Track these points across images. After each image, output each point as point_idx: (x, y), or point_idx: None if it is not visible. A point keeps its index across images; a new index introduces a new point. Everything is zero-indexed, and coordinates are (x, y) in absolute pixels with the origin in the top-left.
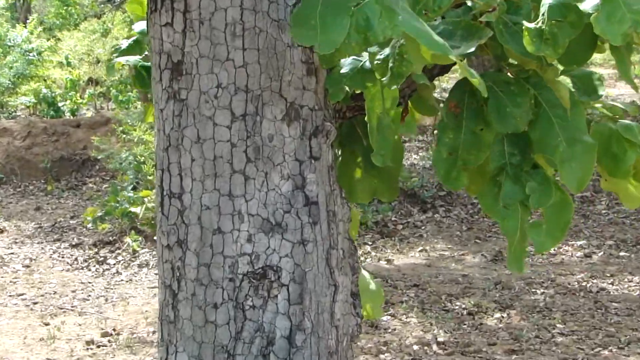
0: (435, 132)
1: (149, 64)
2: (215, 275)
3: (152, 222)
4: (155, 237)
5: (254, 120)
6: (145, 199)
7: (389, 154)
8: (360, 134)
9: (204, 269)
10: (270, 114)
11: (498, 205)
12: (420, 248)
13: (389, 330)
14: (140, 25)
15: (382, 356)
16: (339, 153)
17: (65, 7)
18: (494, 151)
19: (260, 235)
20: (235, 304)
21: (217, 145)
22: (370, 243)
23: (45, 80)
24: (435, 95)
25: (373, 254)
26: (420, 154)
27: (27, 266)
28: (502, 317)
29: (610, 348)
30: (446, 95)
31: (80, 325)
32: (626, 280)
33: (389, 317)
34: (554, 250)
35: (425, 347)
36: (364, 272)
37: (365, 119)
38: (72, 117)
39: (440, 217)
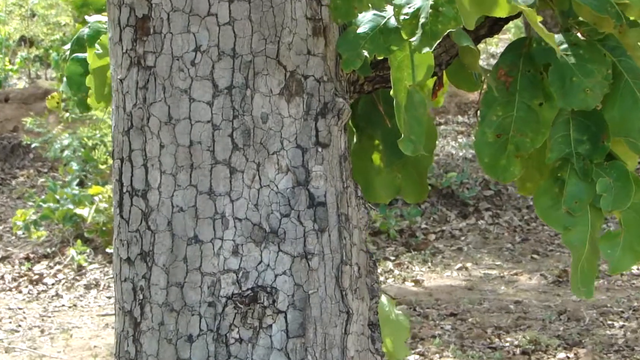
0: (480, 111)
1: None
2: (190, 298)
3: (105, 228)
4: (109, 249)
5: (243, 94)
6: (96, 198)
7: (420, 140)
8: (382, 113)
9: (176, 290)
10: (265, 86)
11: (559, 209)
12: (459, 265)
13: None
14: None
15: None
16: (354, 139)
17: None
18: (555, 137)
19: (249, 245)
20: (217, 337)
21: (194, 128)
22: (392, 258)
23: None
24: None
25: (396, 272)
26: (460, 140)
27: None
28: (568, 357)
29: None
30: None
31: None
32: None
33: (417, 356)
34: (636, 269)
35: None
36: (384, 296)
37: (391, 93)
38: None
39: (485, 224)
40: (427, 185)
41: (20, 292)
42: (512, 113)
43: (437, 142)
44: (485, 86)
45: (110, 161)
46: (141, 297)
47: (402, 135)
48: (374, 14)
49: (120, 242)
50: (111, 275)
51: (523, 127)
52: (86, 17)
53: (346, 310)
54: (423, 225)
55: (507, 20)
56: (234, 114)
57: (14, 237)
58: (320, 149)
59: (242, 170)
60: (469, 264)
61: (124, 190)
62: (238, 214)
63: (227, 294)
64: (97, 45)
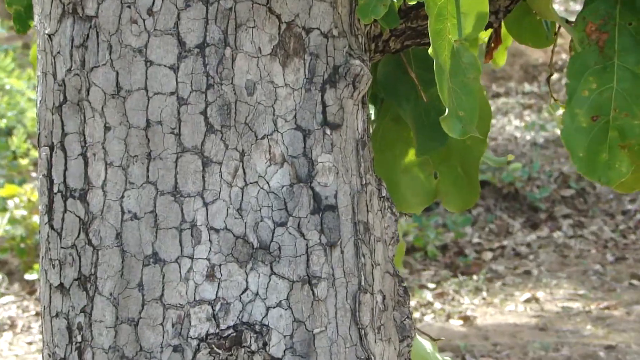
0: (566, 83)
1: None
2: (147, 340)
3: (24, 245)
4: (30, 274)
5: (221, 55)
6: (10, 203)
7: (472, 117)
8: (414, 81)
9: (128, 329)
10: (250, 44)
11: None
12: (527, 295)
13: None
14: None
15: None
16: (376, 116)
17: None
18: None
19: (230, 266)
20: None
21: (152, 102)
22: (432, 285)
23: None
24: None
25: (438, 305)
26: (527, 117)
27: None
28: None
29: None
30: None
31: None
32: None
33: None
34: None
35: None
36: (420, 338)
37: (429, 52)
38: None
39: (564, 237)
40: (478, 185)
41: None
42: (612, 85)
43: (493, 120)
44: (571, 44)
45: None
46: (79, 339)
47: (446, 111)
48: None
49: (49, 263)
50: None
51: (628, 104)
52: None
53: (366, 356)
54: (475, 240)
55: None
56: (208, 83)
57: None
58: (328, 131)
59: (220, 161)
60: (540, 294)
61: (55, 190)
62: (214, 223)
63: (200, 334)
64: None
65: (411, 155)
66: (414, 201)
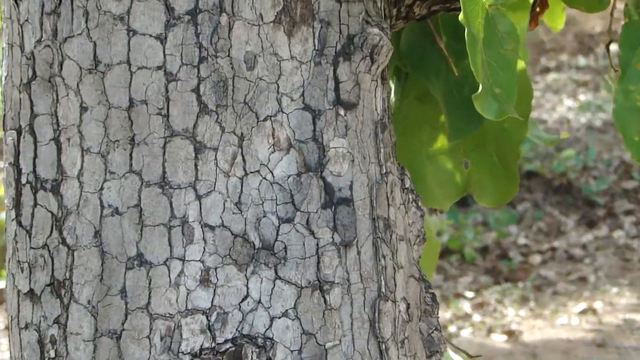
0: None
1: None
2: (132, 355)
3: None
4: None
5: (216, 23)
6: None
7: (510, 95)
8: (443, 52)
9: (109, 342)
10: (250, 9)
11: None
12: (583, 306)
13: None
14: None
15: None
16: (398, 94)
17: None
18: None
19: (228, 270)
20: None
21: (135, 78)
22: (470, 294)
23: None
24: None
25: (477, 317)
26: (582, 96)
27: None
28: None
29: None
30: None
31: None
32: None
33: None
34: None
35: None
36: (455, 355)
37: (460, 18)
38: None
39: (625, 236)
40: (517, 175)
41: None
42: None
43: (542, 100)
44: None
45: None
46: (52, 354)
47: (480, 88)
48: None
49: (17, 266)
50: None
51: None
52: None
53: None
54: (521, 241)
55: None
56: (201, 56)
57: None
58: (342, 112)
59: (215, 146)
60: (598, 304)
61: (23, 180)
62: (209, 219)
63: (193, 348)
64: None
65: (439, 139)
66: (441, 194)
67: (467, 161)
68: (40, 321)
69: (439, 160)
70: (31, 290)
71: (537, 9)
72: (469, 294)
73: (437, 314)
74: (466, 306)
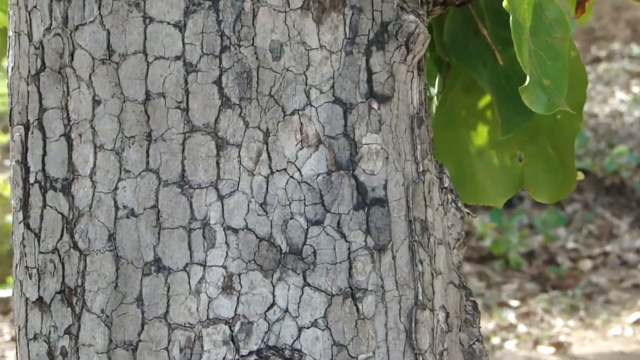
0: None
1: None
2: None
3: None
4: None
5: (239, 9)
6: None
7: (561, 87)
8: (487, 40)
9: (124, 354)
10: None
11: None
12: (637, 316)
13: None
14: None
15: None
16: (441, 86)
17: None
18: None
19: (253, 276)
20: None
21: (152, 69)
22: (515, 303)
23: None
24: None
25: (522, 328)
26: (637, 88)
27: None
28: None
29: None
30: None
31: None
32: None
33: None
34: None
35: None
36: None
37: (504, 4)
38: None
39: None
40: (575, 168)
41: None
42: None
43: (592, 92)
44: None
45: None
46: None
47: (527, 79)
48: None
49: (25, 272)
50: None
51: None
52: None
53: None
54: (570, 245)
55: None
56: (223, 45)
57: None
58: (375, 105)
59: (239, 143)
60: None
61: (32, 179)
62: (232, 221)
63: None
64: None
65: (489, 132)
66: (494, 191)
67: (521, 154)
68: (50, 332)
69: (490, 155)
70: (40, 299)
71: None
72: (514, 303)
73: (479, 323)
74: (511, 316)
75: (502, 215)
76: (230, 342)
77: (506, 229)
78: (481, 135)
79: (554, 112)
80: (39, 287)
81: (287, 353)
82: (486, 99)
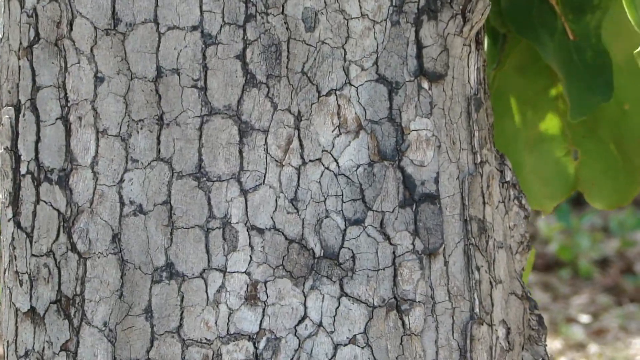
0: None
1: None
2: None
3: None
4: None
5: None
6: None
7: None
8: (555, 11)
9: None
10: None
11: None
12: None
13: None
14: None
15: None
16: (490, 62)
17: None
18: None
19: (281, 284)
20: None
21: (164, 40)
22: (586, 318)
23: None
24: None
25: (593, 347)
26: None
27: None
28: None
29: None
30: None
31: None
32: None
33: None
34: None
35: None
36: None
37: None
38: None
39: None
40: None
41: None
42: None
43: None
44: None
45: None
46: None
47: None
48: None
49: (15, 279)
50: None
51: None
52: None
53: None
54: None
55: None
56: (248, 13)
57: None
58: (426, 85)
59: (265, 128)
60: None
61: (23, 170)
62: (257, 220)
63: None
64: None
65: (542, 122)
66: (543, 192)
67: (577, 151)
68: (43, 348)
69: (541, 149)
70: (32, 309)
71: None
72: (584, 318)
73: (545, 341)
74: (580, 333)
75: (571, 215)
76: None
77: (575, 232)
78: (532, 125)
79: (621, 102)
80: (31, 296)
81: None
82: (542, 82)
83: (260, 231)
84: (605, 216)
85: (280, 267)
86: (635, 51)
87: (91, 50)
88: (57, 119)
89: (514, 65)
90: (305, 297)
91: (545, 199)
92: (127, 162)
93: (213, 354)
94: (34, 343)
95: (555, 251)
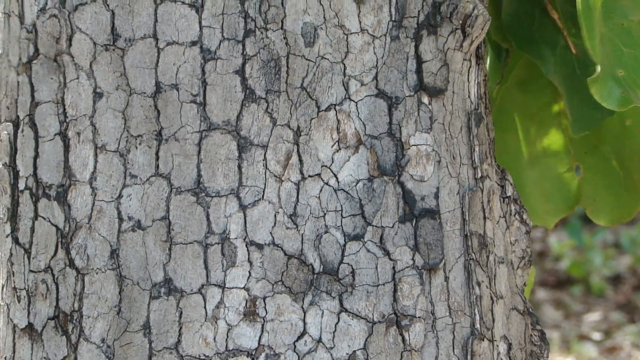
0: None
1: None
2: None
3: None
4: None
5: None
6: None
7: (638, 78)
8: (556, 23)
9: None
10: None
11: None
12: None
13: None
14: None
15: None
16: (492, 77)
17: None
18: None
19: (280, 300)
20: None
21: (164, 56)
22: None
23: None
24: None
25: None
26: None
27: None
28: None
29: None
30: None
31: None
32: None
33: None
34: None
35: None
36: None
37: None
38: None
39: None
40: None
41: None
42: None
43: None
44: None
45: None
46: None
47: (597, 69)
48: None
49: (13, 295)
50: None
51: None
52: None
53: None
54: None
55: None
56: (247, 28)
57: None
58: (426, 99)
59: (265, 143)
60: None
61: (21, 186)
62: (256, 235)
63: None
64: None
65: (544, 139)
66: (544, 208)
67: (579, 166)
68: None
69: (544, 165)
70: (30, 325)
71: None
72: (597, 336)
73: (547, 357)
74: (593, 351)
75: (583, 231)
76: None
77: (587, 248)
78: (535, 141)
79: (623, 117)
80: (28, 312)
81: None
82: (543, 98)
83: (259, 247)
84: (617, 232)
85: (280, 283)
86: (588, 79)
87: (90, 65)
88: (55, 134)
89: (516, 81)
90: (304, 312)
91: (547, 215)
92: (125, 178)
93: None
94: (31, 359)
95: (567, 268)
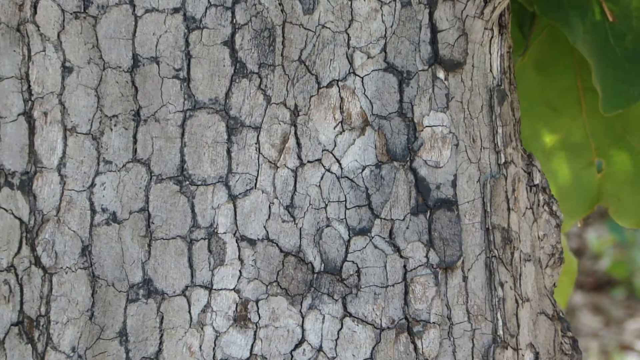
0: None
1: None
2: None
3: None
4: None
5: None
6: None
7: None
8: None
9: None
10: None
11: None
12: None
13: None
14: None
15: None
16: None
17: None
18: None
19: (275, 302)
20: None
21: (142, 24)
22: None
23: None
24: None
25: None
26: None
27: None
28: None
29: None
30: None
31: None
32: None
33: None
34: None
35: None
36: None
37: None
38: None
39: None
40: None
41: None
42: None
43: None
44: None
45: None
46: None
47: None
48: None
49: None
50: None
51: None
52: None
53: None
54: None
55: None
56: None
57: None
58: (442, 74)
59: (257, 124)
60: None
61: None
62: (248, 230)
63: None
64: None
65: (562, 129)
66: (561, 209)
67: (601, 162)
68: None
69: (560, 159)
70: None
71: None
72: (638, 345)
73: None
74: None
75: (624, 228)
76: None
77: (630, 245)
78: (551, 131)
79: None
80: None
81: None
82: (563, 81)
83: (252, 242)
84: None
85: (275, 284)
86: (605, 113)
87: (58, 36)
88: (19, 115)
89: (533, 60)
90: (302, 317)
91: (566, 213)
92: (99, 164)
93: None
94: None
95: (607, 268)
